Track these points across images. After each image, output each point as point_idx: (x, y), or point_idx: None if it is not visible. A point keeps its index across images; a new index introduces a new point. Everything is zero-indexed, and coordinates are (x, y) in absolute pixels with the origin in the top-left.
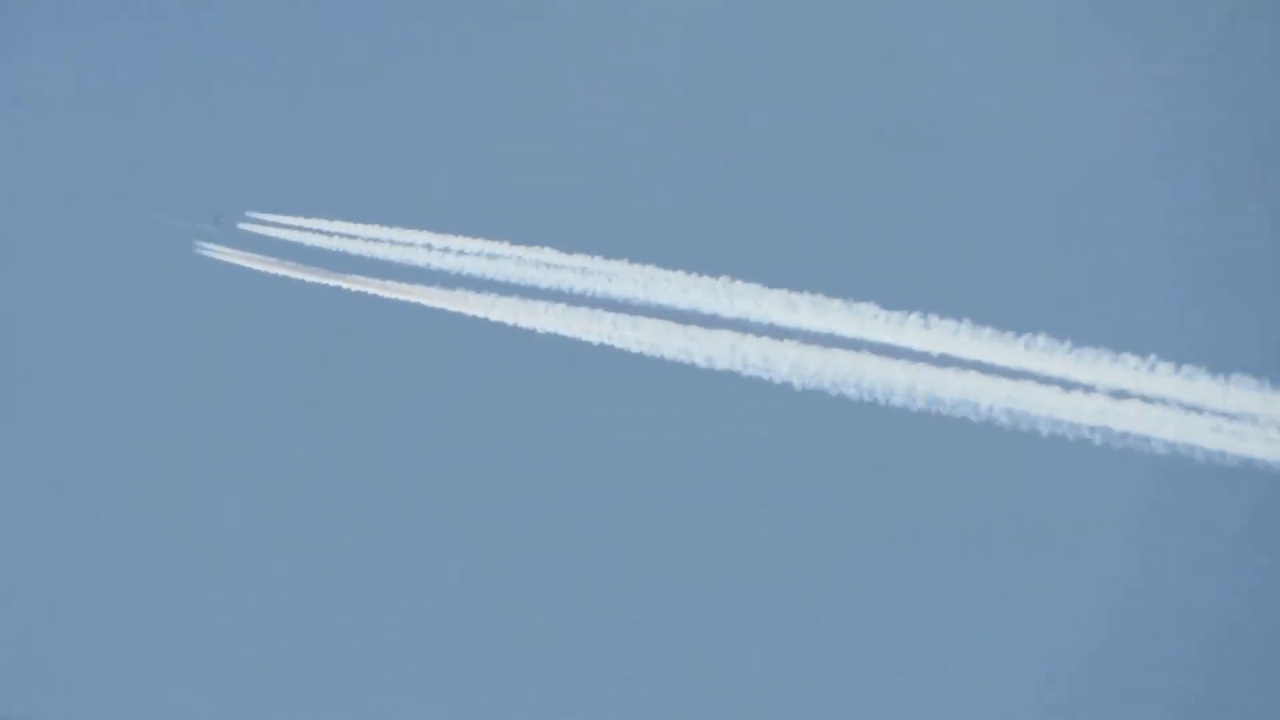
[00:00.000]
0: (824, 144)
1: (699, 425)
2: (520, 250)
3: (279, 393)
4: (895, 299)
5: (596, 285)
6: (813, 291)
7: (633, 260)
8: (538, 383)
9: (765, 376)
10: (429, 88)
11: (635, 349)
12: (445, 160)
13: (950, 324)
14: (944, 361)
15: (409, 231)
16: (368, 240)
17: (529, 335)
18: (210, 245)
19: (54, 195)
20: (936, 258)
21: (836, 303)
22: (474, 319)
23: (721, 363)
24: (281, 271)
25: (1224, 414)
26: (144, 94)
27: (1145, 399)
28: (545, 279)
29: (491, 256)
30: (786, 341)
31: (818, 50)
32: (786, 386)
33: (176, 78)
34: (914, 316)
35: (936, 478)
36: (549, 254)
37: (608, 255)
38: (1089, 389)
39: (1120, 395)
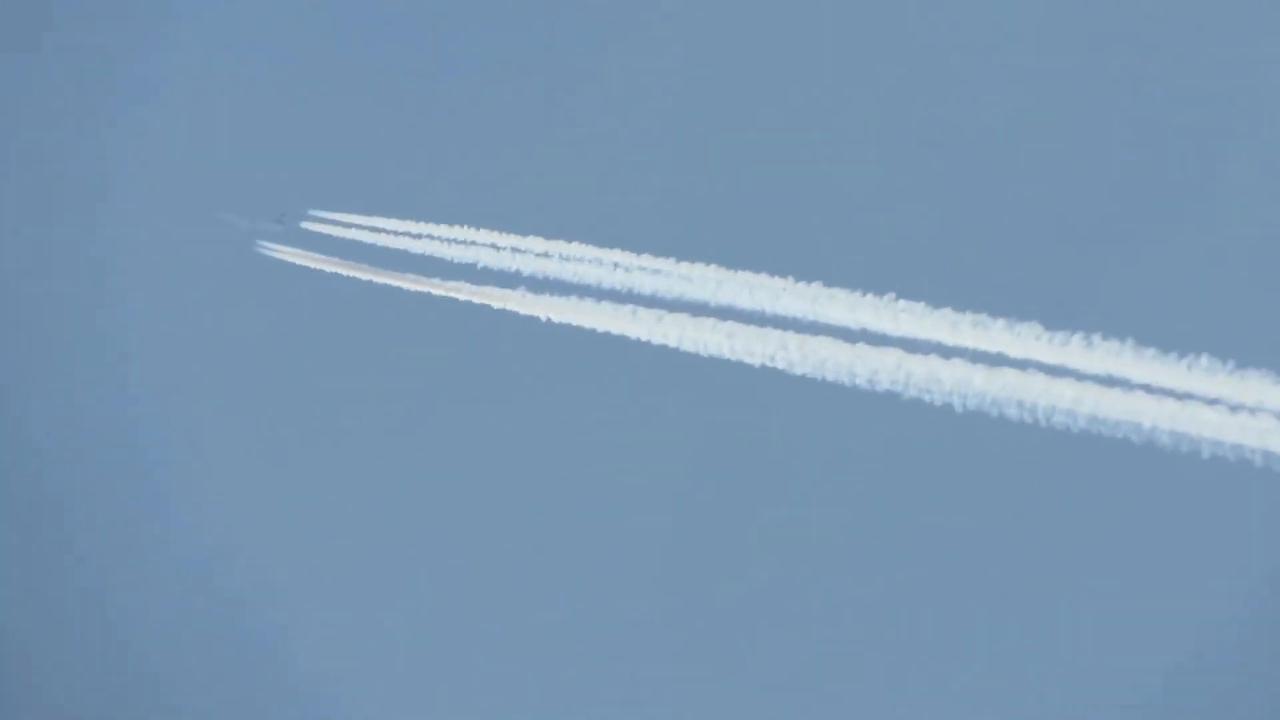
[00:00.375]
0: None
1: (854, 454)
2: (580, 249)
3: (337, 391)
4: (1057, 318)
5: (660, 285)
6: (975, 310)
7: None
8: (594, 383)
9: (928, 397)
10: (493, 87)
11: (731, 356)
12: (511, 158)
13: (1113, 344)
14: (1108, 381)
15: (473, 230)
16: (432, 239)
17: (588, 335)
18: (273, 244)
19: (121, 193)
20: (1094, 274)
21: (1000, 322)
22: (535, 319)
23: (885, 383)
24: (344, 271)
25: None
26: (212, 94)
27: None
28: (604, 278)
29: (557, 257)
30: (953, 361)
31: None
32: (948, 407)
33: (243, 78)
34: (1077, 336)
35: (1102, 498)
36: (610, 253)
37: (677, 256)
38: (1255, 410)
39: None
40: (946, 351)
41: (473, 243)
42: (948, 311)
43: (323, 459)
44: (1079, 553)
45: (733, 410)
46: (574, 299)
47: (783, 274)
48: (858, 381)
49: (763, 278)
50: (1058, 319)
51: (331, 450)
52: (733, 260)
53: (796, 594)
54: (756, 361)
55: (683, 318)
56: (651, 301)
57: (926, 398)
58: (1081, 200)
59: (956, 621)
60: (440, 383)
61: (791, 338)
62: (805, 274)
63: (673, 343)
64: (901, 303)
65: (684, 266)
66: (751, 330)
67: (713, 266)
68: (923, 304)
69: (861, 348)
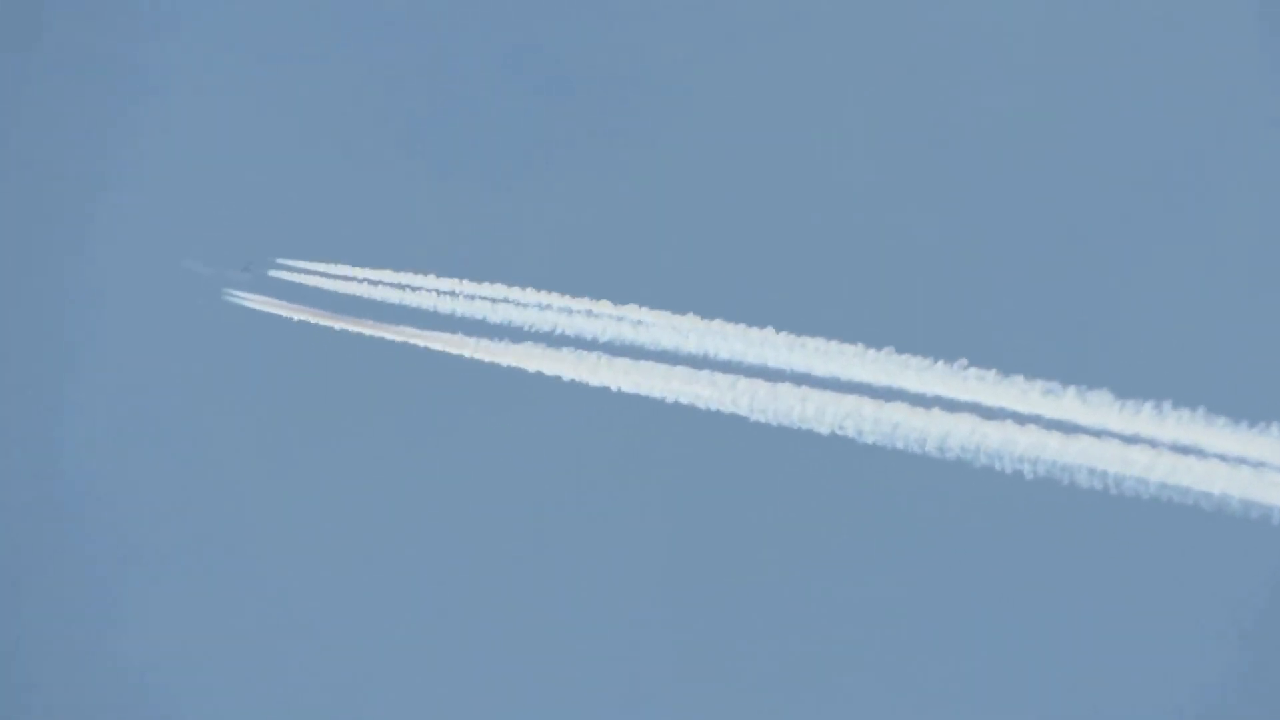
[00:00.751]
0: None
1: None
2: (545, 297)
3: (305, 438)
4: (1129, 387)
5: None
6: (1046, 378)
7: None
8: (562, 428)
9: (1000, 463)
10: (463, 136)
11: (694, 403)
12: (479, 207)
13: (1184, 412)
14: (1179, 449)
15: (439, 279)
16: (399, 287)
17: (555, 382)
18: (241, 292)
19: (87, 241)
20: (1163, 340)
21: (1070, 389)
22: (505, 368)
23: (956, 449)
24: (311, 319)
25: None
26: (177, 141)
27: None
28: (567, 325)
29: (523, 305)
30: (1028, 427)
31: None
32: (1018, 474)
33: (208, 124)
34: (1149, 404)
35: (1168, 563)
36: (564, 299)
37: (642, 303)
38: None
39: None
40: (1020, 418)
41: (442, 291)
42: (1018, 379)
43: (288, 504)
44: (1153, 617)
45: (802, 478)
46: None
47: (852, 340)
48: (928, 448)
49: (834, 344)
50: (1129, 387)
51: (298, 495)
52: (804, 325)
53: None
54: (827, 429)
55: (753, 382)
56: (699, 361)
57: (999, 464)
58: (1152, 267)
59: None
60: (412, 430)
61: (865, 403)
62: (876, 340)
63: (743, 410)
64: (972, 370)
65: (751, 331)
66: (826, 396)
67: (784, 333)
68: (994, 370)
69: (936, 413)
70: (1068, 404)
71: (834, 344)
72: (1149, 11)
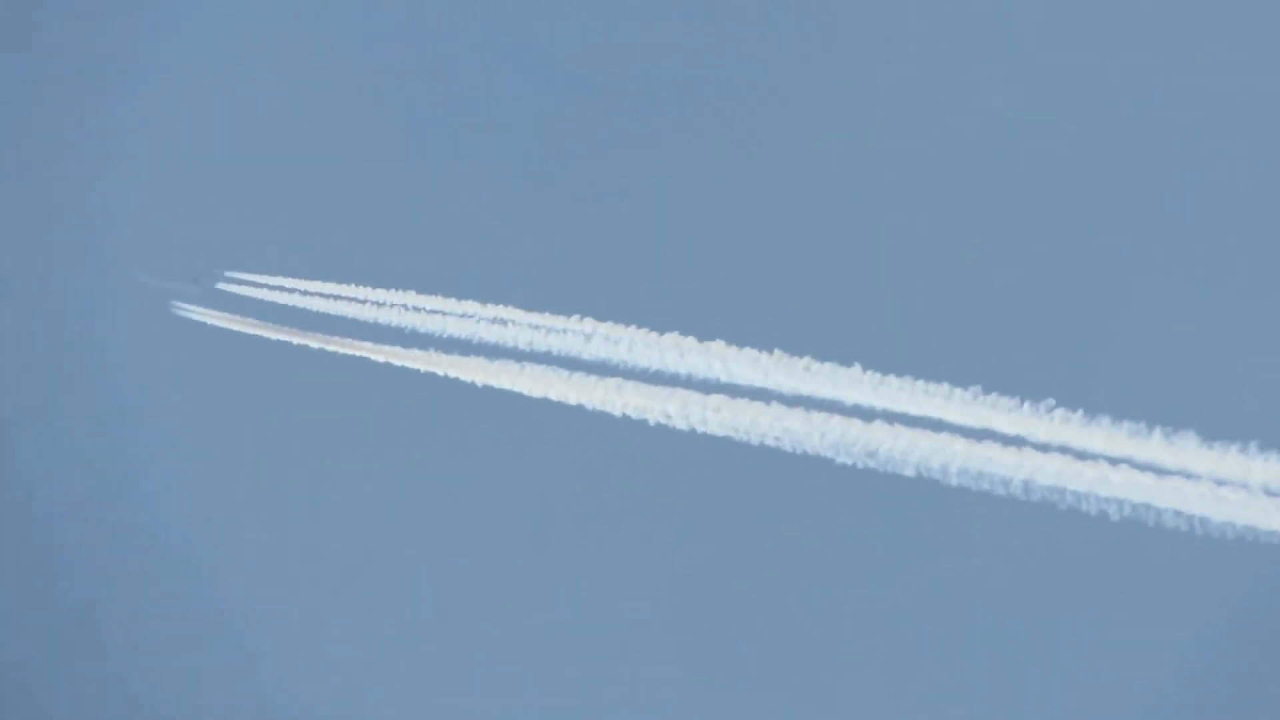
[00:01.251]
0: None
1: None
2: (491, 310)
3: (255, 452)
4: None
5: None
6: (1133, 419)
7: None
8: (508, 442)
9: (1085, 504)
10: (408, 148)
11: (642, 416)
12: (427, 220)
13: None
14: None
15: (389, 292)
16: (349, 300)
17: (500, 395)
18: (190, 305)
19: (37, 253)
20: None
21: (1157, 431)
22: (450, 380)
23: (1042, 488)
24: (261, 332)
25: None
26: (127, 152)
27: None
28: (515, 338)
29: (469, 317)
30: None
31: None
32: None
33: (159, 136)
34: (1235, 446)
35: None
36: (515, 312)
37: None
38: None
39: None
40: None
41: (395, 305)
42: (1105, 420)
43: (234, 515)
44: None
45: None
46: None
47: (938, 379)
48: (1013, 489)
49: (920, 384)
50: (1217, 429)
51: (243, 507)
52: (892, 365)
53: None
54: (911, 471)
55: (826, 417)
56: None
57: (1084, 505)
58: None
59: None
60: (363, 442)
61: (955, 441)
62: (962, 380)
63: (769, 439)
64: (1059, 411)
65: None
66: (917, 434)
67: (870, 371)
68: (1081, 411)
69: (1027, 452)
70: (1153, 445)
71: (920, 383)
72: (1148, 14)
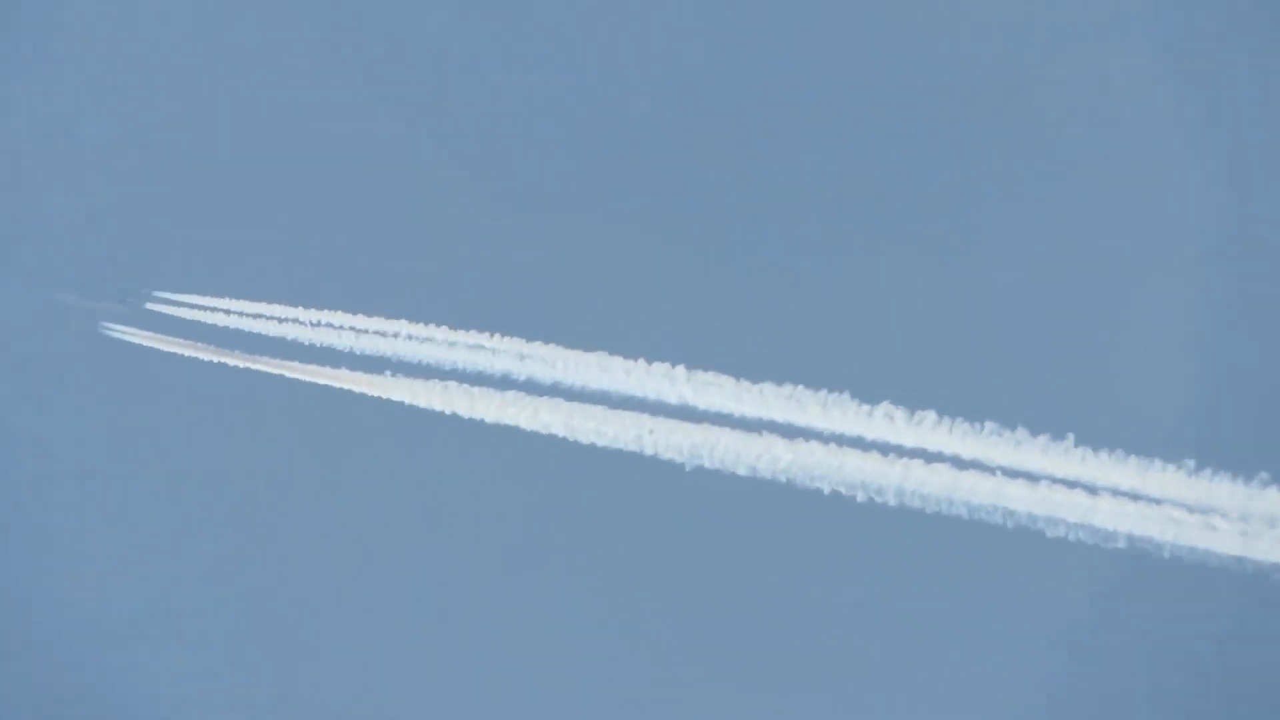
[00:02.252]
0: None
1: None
2: (422, 329)
3: (185, 474)
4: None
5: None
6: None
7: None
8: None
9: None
10: (336, 164)
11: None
12: (356, 239)
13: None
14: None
15: (317, 312)
16: (277, 320)
17: (432, 415)
18: (117, 325)
19: None
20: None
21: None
22: (380, 400)
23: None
24: (189, 352)
25: None
26: (48, 169)
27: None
28: (447, 358)
29: (398, 336)
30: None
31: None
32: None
33: (81, 153)
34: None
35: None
36: (446, 332)
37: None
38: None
39: None
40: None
41: (321, 324)
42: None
43: (168, 539)
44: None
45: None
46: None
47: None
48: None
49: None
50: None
51: (177, 530)
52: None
53: None
54: (930, 506)
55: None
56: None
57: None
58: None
59: None
60: (291, 463)
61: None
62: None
63: (789, 475)
64: (1085, 450)
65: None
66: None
67: (891, 405)
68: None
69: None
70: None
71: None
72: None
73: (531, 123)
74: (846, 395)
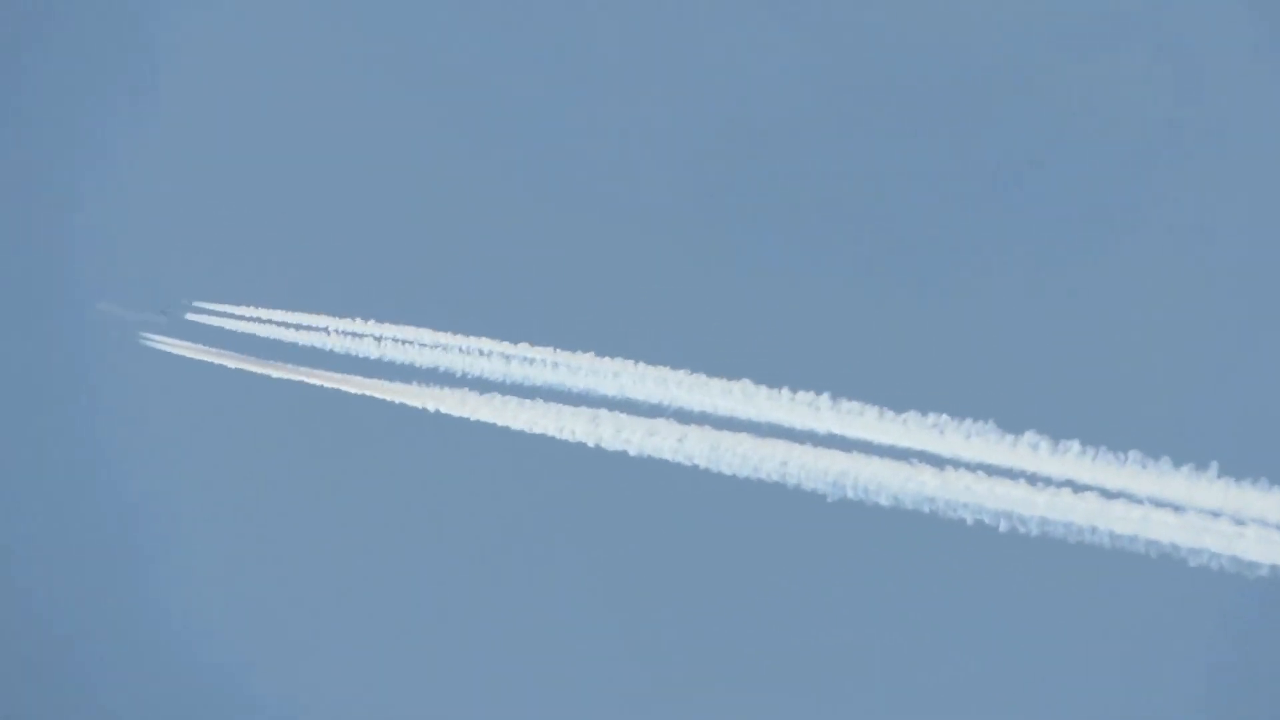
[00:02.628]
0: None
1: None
2: (465, 340)
3: (225, 483)
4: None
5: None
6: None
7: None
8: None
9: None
10: (378, 178)
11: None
12: (398, 251)
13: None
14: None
15: (358, 322)
16: (318, 331)
17: (479, 427)
18: (157, 336)
19: None
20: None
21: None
22: (423, 411)
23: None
24: (229, 363)
25: None
26: (92, 182)
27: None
28: (494, 370)
29: (441, 348)
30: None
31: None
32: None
33: (123, 165)
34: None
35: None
36: (492, 344)
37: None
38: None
39: None
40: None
41: (363, 335)
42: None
43: (206, 548)
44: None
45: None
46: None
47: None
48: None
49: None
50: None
51: (215, 540)
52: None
53: None
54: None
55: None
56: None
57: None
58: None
59: None
60: (333, 473)
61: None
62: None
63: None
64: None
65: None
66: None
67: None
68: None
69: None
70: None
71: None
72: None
73: (565, 135)
74: (908, 411)
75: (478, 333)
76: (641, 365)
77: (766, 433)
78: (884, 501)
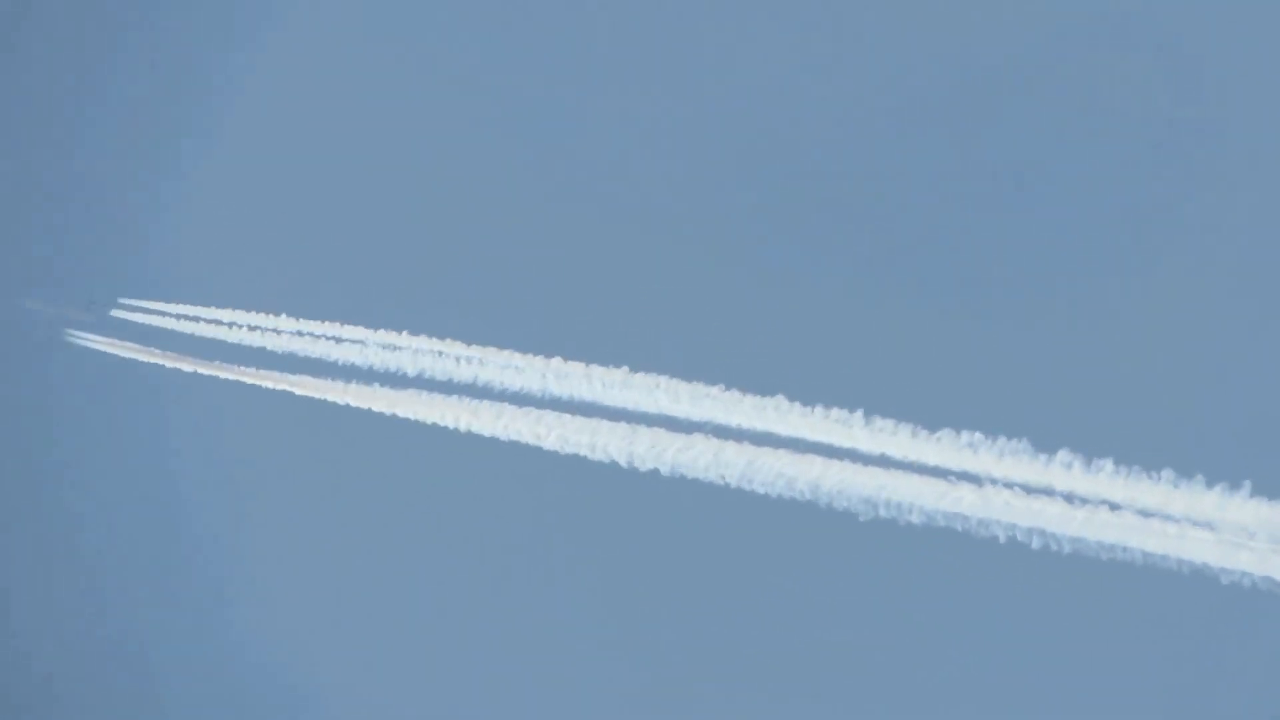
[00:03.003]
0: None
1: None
2: (388, 336)
3: (151, 482)
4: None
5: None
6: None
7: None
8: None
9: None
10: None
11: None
12: (323, 245)
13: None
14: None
15: (286, 319)
16: (243, 328)
17: (399, 423)
18: (83, 333)
19: None
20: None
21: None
22: (348, 408)
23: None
24: (157, 360)
25: None
26: (12, 176)
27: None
28: (413, 366)
29: (365, 344)
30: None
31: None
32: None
33: (46, 157)
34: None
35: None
36: (402, 338)
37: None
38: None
39: None
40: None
41: (292, 332)
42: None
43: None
44: None
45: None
46: (386, 388)
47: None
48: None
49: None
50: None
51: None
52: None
53: None
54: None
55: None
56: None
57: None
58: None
59: None
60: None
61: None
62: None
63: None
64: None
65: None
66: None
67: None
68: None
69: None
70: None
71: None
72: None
73: (569, 136)
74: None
75: (509, 346)
76: (676, 380)
77: (800, 449)
78: (916, 519)
